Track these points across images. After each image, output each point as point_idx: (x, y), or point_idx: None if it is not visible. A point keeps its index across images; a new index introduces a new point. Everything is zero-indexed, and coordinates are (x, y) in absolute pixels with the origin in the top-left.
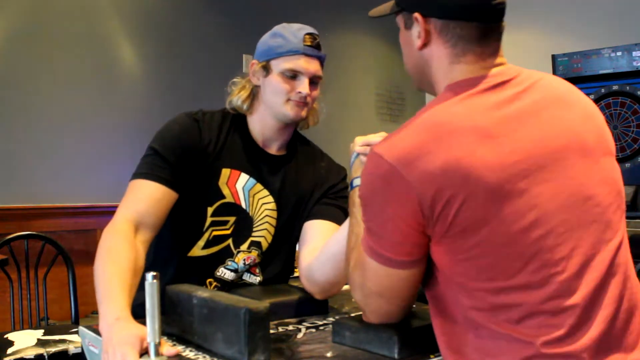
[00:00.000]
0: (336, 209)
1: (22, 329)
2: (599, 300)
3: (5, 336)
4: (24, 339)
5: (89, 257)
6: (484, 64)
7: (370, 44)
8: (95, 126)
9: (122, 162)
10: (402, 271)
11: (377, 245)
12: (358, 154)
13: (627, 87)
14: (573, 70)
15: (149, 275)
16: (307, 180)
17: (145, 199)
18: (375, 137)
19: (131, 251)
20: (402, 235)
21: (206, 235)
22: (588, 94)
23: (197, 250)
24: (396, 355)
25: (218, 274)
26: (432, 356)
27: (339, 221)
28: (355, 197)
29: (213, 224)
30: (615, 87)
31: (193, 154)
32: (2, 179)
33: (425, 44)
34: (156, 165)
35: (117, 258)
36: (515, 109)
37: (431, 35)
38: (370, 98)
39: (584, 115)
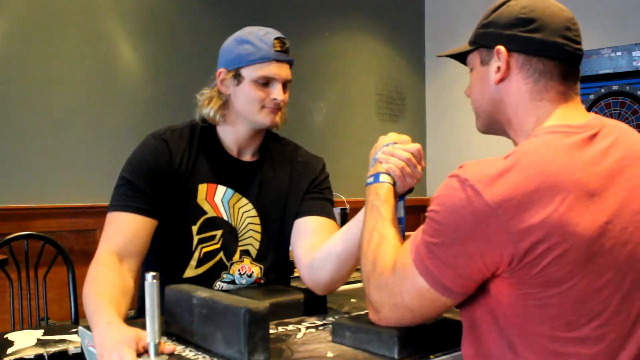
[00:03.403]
0: (323, 202)
1: (22, 329)
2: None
3: (5, 336)
4: (24, 339)
5: (89, 257)
6: (567, 105)
7: (371, 44)
8: (96, 126)
9: (123, 162)
10: (449, 300)
11: (438, 272)
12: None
13: (627, 87)
14: None
15: (149, 276)
16: (285, 180)
17: (124, 231)
18: (400, 152)
19: (118, 276)
20: (472, 272)
21: (196, 254)
22: (588, 94)
23: (191, 271)
24: (396, 356)
25: (216, 288)
26: (432, 356)
27: (329, 214)
28: (380, 190)
29: (200, 241)
30: (615, 87)
31: (166, 178)
32: (2, 179)
33: (503, 79)
34: (129, 195)
35: (103, 281)
36: (607, 166)
37: (511, 70)
38: (370, 98)
39: None
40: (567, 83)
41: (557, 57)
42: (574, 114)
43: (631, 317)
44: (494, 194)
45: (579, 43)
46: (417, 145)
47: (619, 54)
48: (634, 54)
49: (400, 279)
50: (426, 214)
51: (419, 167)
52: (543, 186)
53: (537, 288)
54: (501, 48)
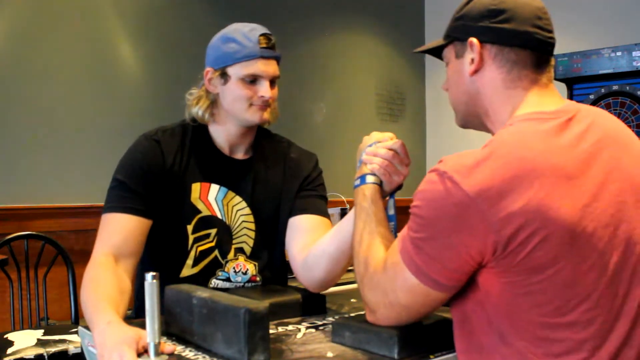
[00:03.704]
0: (317, 200)
1: (22, 329)
2: (629, 341)
3: (5, 336)
4: (24, 339)
5: (89, 257)
6: (541, 92)
7: (370, 44)
8: (95, 126)
9: None
10: (441, 293)
11: (426, 266)
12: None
13: (627, 87)
14: (573, 70)
15: (149, 276)
16: (278, 177)
17: (119, 232)
18: (383, 150)
19: (115, 277)
20: (459, 264)
21: (192, 253)
22: (588, 94)
23: (188, 270)
24: (396, 356)
25: (211, 286)
26: (432, 356)
27: (322, 212)
28: (367, 191)
29: (196, 240)
30: (615, 87)
31: (159, 178)
32: (2, 179)
33: (477, 70)
34: (123, 196)
35: (101, 282)
36: (583, 149)
37: (485, 61)
38: (370, 98)
39: (637, 156)
40: (540, 70)
41: (529, 46)
42: (548, 101)
43: (618, 299)
44: (472, 184)
45: (550, 31)
46: (399, 142)
47: (619, 54)
48: (634, 54)
49: (391, 277)
50: (410, 210)
51: (404, 163)
52: (520, 173)
53: (523, 275)
54: (474, 40)
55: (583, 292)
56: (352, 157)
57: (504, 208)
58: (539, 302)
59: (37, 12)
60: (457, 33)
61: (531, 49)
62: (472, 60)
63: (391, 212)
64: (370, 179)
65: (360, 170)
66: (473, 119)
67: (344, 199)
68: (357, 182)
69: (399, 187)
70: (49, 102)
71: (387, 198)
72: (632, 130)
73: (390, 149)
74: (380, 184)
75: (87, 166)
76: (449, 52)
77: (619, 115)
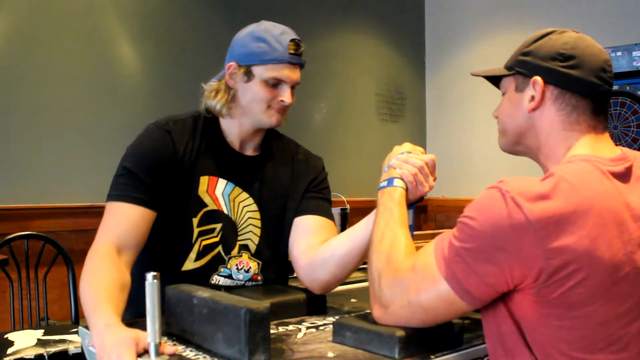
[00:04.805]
0: (323, 202)
1: (22, 329)
2: None
3: (5, 336)
4: (24, 339)
5: None
6: (598, 137)
7: (371, 44)
8: (95, 126)
9: None
10: (466, 305)
11: (462, 275)
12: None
13: (627, 87)
14: None
15: (149, 275)
16: (286, 176)
17: (124, 222)
18: (415, 159)
19: (115, 270)
20: (497, 281)
21: (196, 247)
22: None
23: (190, 264)
24: (397, 356)
25: (212, 282)
26: (432, 356)
27: (328, 214)
28: (393, 193)
29: (201, 234)
30: (615, 87)
31: (168, 168)
32: (2, 179)
33: (536, 108)
34: (130, 185)
35: (102, 276)
36: (636, 198)
37: (545, 101)
38: (370, 98)
39: None
40: (597, 118)
41: (590, 95)
42: (604, 147)
43: None
44: (535, 211)
45: (611, 85)
46: (431, 156)
47: (619, 54)
48: (634, 54)
49: (420, 279)
50: (459, 219)
51: (431, 177)
52: (579, 209)
53: (560, 309)
54: (538, 79)
55: (616, 334)
56: (353, 157)
57: (559, 239)
58: (570, 336)
59: (37, 12)
60: (522, 67)
61: (592, 98)
62: (533, 97)
63: (410, 222)
64: (397, 182)
65: (388, 173)
66: (522, 148)
67: (344, 199)
68: (384, 183)
69: (420, 199)
70: (49, 102)
71: (407, 208)
72: (632, 130)
73: (422, 160)
74: (406, 190)
75: (88, 166)
76: (508, 82)
77: (619, 116)
